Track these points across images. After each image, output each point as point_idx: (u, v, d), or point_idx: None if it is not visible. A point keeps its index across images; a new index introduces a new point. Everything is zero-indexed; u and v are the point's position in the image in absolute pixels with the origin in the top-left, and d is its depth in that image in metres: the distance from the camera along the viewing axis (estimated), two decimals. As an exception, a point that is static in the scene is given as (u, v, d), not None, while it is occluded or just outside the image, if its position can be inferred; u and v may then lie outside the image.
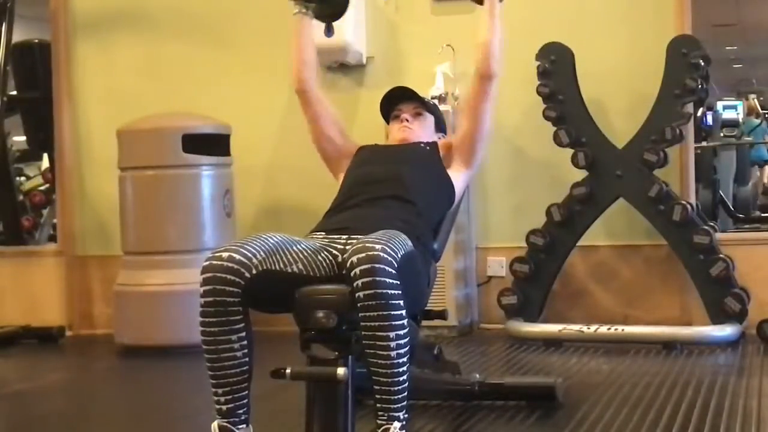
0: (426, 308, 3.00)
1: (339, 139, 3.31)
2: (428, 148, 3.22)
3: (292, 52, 3.32)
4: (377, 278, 2.41)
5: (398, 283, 2.44)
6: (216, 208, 5.29)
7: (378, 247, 2.45)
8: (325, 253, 2.73)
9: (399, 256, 2.48)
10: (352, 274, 2.44)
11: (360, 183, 3.06)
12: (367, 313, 2.43)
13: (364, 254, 2.43)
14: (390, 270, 2.43)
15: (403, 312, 2.46)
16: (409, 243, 2.63)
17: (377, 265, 2.42)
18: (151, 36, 6.04)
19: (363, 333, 2.46)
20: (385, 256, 2.44)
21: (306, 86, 3.30)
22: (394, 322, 2.44)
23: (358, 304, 2.44)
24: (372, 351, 2.46)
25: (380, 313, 2.43)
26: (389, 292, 2.43)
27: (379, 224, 2.72)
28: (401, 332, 2.45)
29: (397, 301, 2.44)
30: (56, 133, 6.12)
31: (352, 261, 2.44)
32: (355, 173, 3.12)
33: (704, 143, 8.47)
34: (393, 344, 2.44)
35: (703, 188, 7.59)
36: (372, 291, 2.42)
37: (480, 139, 3.22)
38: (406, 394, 2.49)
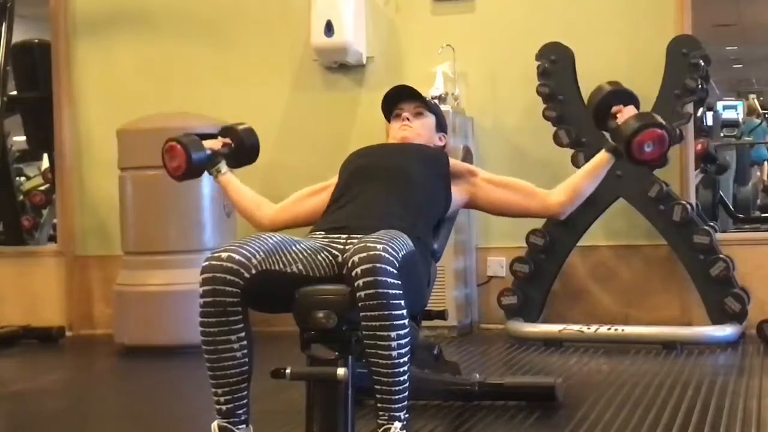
0: (426, 308, 3.00)
1: (324, 197, 3.15)
2: (435, 149, 3.21)
3: (236, 209, 3.30)
4: (379, 278, 2.41)
5: (399, 283, 2.44)
6: (216, 208, 5.29)
7: (379, 247, 2.44)
8: (325, 253, 2.73)
9: (400, 256, 2.48)
10: (353, 273, 2.43)
11: (359, 175, 3.03)
12: (368, 313, 2.43)
13: (365, 254, 2.43)
14: (391, 270, 2.43)
15: (404, 312, 2.46)
16: (410, 243, 2.63)
17: (378, 265, 2.41)
18: (151, 36, 6.04)
19: (364, 333, 2.46)
20: (387, 256, 2.43)
21: (267, 222, 3.21)
22: (395, 322, 2.44)
23: (359, 304, 2.43)
24: (373, 351, 2.45)
25: (381, 313, 2.42)
26: (390, 292, 2.42)
27: (379, 223, 2.71)
28: (402, 332, 2.45)
29: (398, 301, 2.44)
30: (56, 133, 6.13)
31: (353, 261, 2.44)
32: (353, 166, 3.10)
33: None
34: (394, 344, 2.44)
35: (703, 188, 7.59)
36: (373, 291, 2.41)
37: (494, 214, 3.28)
38: (407, 394, 2.49)
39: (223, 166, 3.23)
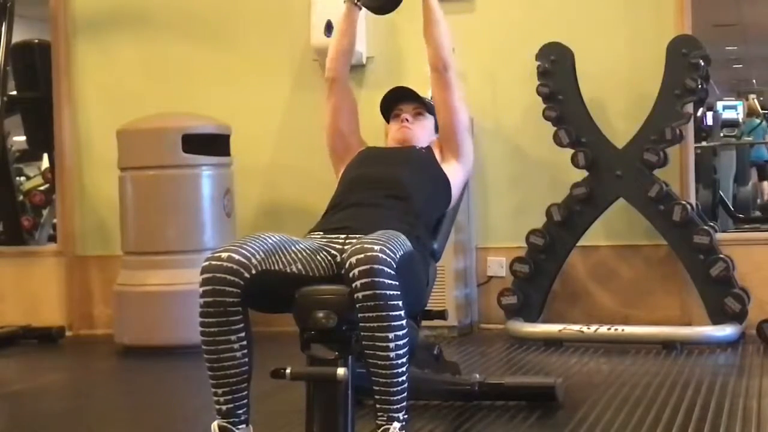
0: (426, 308, 3.00)
1: (351, 137, 3.30)
2: (424, 150, 3.22)
3: (337, 38, 3.31)
4: (376, 279, 2.41)
5: (397, 284, 2.44)
6: (216, 208, 5.29)
7: (377, 248, 2.45)
8: (324, 253, 2.73)
9: (398, 256, 2.48)
10: (350, 275, 2.43)
11: (357, 182, 3.06)
12: (366, 314, 2.43)
13: (362, 255, 2.43)
14: (389, 271, 2.43)
15: (402, 313, 2.46)
16: (408, 243, 2.63)
17: (376, 266, 2.42)
18: (151, 36, 6.04)
19: (362, 334, 2.46)
20: (384, 257, 2.44)
21: (337, 74, 3.30)
22: (393, 323, 2.44)
23: (357, 305, 2.44)
24: (371, 352, 2.46)
25: (379, 313, 2.43)
26: (388, 293, 2.43)
27: (378, 224, 2.72)
28: (400, 333, 2.45)
29: (395, 302, 2.44)
30: (56, 133, 6.12)
31: (350, 262, 2.44)
32: (352, 174, 3.13)
33: (704, 143, 8.47)
34: (392, 345, 2.44)
35: (703, 188, 7.58)
36: (371, 292, 2.42)
37: (458, 129, 3.22)
38: (405, 394, 2.49)
39: None
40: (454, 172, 3.18)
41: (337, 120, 3.29)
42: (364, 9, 3.33)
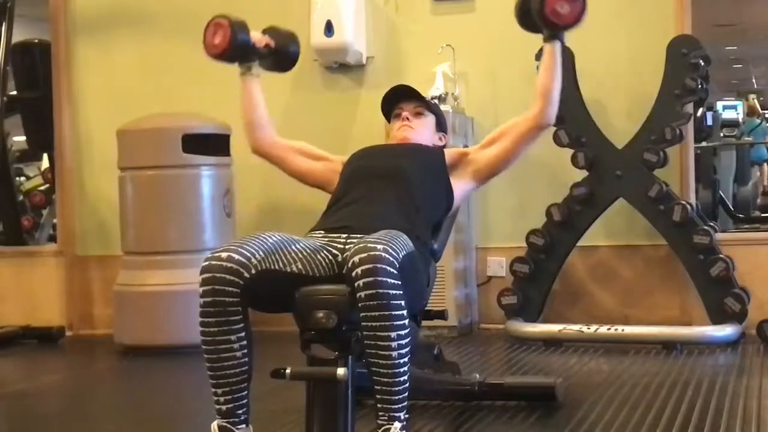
0: (426, 308, 3.00)
1: (318, 166, 3.22)
2: (432, 149, 3.21)
3: (243, 114, 3.22)
4: (379, 278, 2.41)
5: (399, 283, 2.44)
6: (216, 208, 5.29)
7: (380, 247, 2.45)
8: (325, 252, 2.73)
9: (401, 256, 2.48)
10: (353, 274, 2.43)
11: (358, 176, 3.04)
12: (369, 313, 2.43)
13: (366, 254, 2.43)
14: (392, 270, 2.43)
15: (405, 312, 2.46)
16: (410, 243, 2.63)
17: (379, 266, 2.41)
18: (151, 36, 6.04)
19: (364, 333, 2.45)
20: (387, 256, 2.43)
21: (260, 145, 3.22)
22: (395, 323, 2.44)
23: (359, 304, 2.43)
24: (373, 351, 2.45)
25: (382, 313, 2.42)
26: (391, 292, 2.42)
27: (380, 223, 2.71)
28: (402, 332, 2.45)
29: (398, 302, 2.44)
30: (56, 133, 6.12)
31: (353, 261, 2.44)
32: (353, 167, 3.11)
33: (704, 143, 8.47)
34: (394, 344, 2.44)
35: (703, 188, 7.59)
36: (374, 291, 2.41)
37: (504, 168, 3.24)
38: (406, 394, 2.49)
39: (255, 66, 3.18)
40: (462, 187, 3.15)
41: (292, 169, 3.24)
42: (261, 74, 3.19)
